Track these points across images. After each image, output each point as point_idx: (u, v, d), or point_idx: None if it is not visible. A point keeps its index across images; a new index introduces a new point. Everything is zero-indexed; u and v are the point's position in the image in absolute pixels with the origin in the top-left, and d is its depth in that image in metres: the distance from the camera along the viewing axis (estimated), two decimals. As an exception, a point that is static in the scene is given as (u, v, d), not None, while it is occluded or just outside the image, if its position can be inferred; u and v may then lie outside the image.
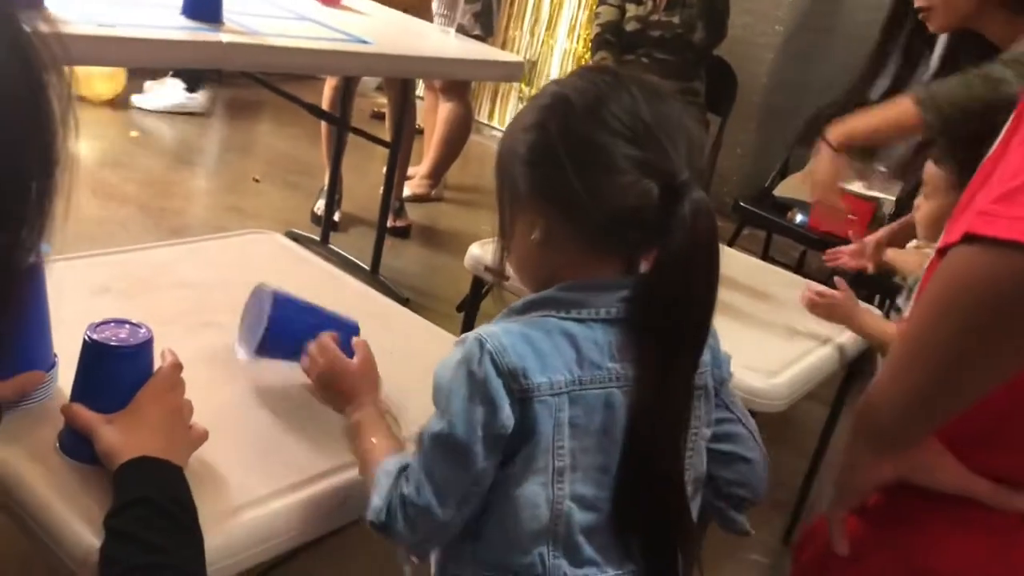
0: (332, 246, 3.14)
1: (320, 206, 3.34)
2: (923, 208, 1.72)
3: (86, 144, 3.55)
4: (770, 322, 1.77)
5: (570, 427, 0.84)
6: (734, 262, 2.17)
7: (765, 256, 3.40)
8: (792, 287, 2.02)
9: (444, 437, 0.84)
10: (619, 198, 0.82)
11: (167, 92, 4.18)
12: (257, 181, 3.61)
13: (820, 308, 1.70)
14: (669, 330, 0.84)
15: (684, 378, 0.87)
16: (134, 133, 3.89)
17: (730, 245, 2.97)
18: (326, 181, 3.35)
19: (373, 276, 3.00)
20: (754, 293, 1.90)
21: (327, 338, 1.07)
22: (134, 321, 0.96)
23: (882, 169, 2.63)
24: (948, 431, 0.78)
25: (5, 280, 0.50)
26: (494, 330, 0.85)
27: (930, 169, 1.70)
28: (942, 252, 0.71)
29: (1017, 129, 0.74)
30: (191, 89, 4.21)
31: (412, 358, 1.27)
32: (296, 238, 3.09)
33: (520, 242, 0.90)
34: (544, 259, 0.89)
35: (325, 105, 3.30)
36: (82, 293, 1.27)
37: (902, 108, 1.63)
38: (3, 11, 0.48)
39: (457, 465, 0.84)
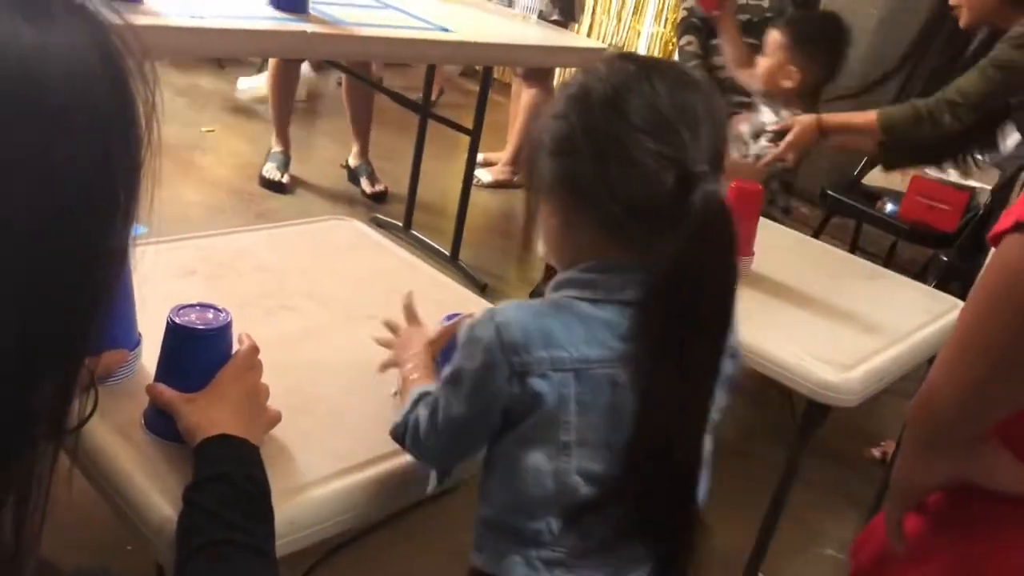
0: (415, 232, 3.19)
1: (268, 169, 3.41)
2: (761, 64, 2.46)
3: (178, 129, 3.68)
4: (850, 314, 1.72)
5: (576, 403, 0.87)
6: (817, 252, 2.13)
7: (854, 246, 3.30)
8: (876, 279, 1.97)
9: (453, 374, 0.91)
10: (632, 188, 0.84)
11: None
12: (344, 167, 3.68)
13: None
14: (685, 315, 0.84)
15: (704, 364, 0.86)
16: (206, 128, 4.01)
17: (817, 235, 2.90)
18: (273, 144, 3.44)
19: (453, 262, 3.04)
20: (835, 284, 1.85)
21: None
22: (215, 305, 0.99)
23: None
24: (998, 431, 0.76)
25: (98, 264, 0.51)
26: (507, 305, 0.90)
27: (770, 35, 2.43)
28: (995, 239, 0.70)
29: None
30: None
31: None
32: (381, 224, 3.17)
33: (546, 225, 0.94)
34: (566, 241, 0.93)
35: (270, 83, 3.41)
36: (169, 275, 1.33)
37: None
38: (79, 6, 0.50)
39: (459, 401, 0.90)
